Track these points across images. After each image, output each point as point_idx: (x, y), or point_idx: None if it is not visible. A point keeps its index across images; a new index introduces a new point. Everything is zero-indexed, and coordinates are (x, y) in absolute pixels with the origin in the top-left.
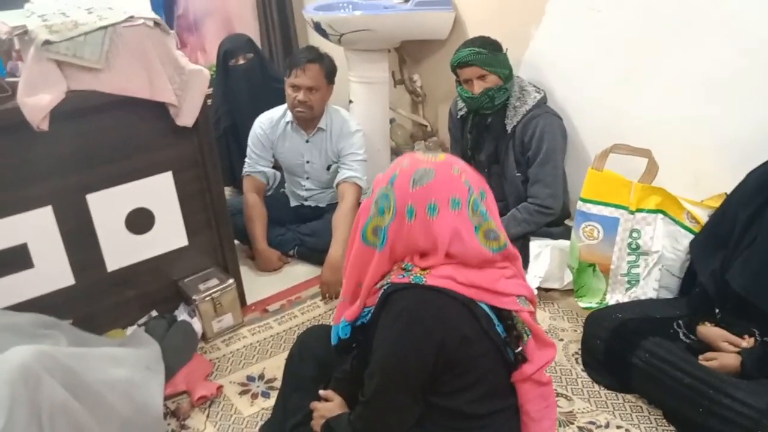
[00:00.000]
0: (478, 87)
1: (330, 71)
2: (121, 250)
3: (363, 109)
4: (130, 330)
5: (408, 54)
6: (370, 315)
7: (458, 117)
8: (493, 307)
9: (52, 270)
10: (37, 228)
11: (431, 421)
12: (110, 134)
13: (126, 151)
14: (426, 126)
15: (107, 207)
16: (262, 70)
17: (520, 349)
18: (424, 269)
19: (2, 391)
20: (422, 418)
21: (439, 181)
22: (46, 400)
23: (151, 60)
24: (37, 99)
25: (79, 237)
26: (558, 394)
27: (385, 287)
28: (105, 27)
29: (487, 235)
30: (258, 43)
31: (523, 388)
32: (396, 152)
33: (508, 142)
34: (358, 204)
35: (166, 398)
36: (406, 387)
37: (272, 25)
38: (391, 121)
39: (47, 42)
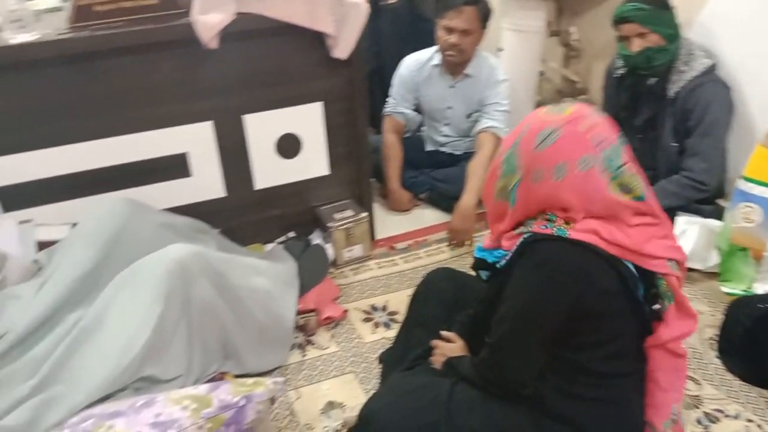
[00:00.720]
0: (636, 45)
1: (485, 15)
2: (268, 171)
3: (512, 58)
4: (268, 246)
5: (567, 4)
6: (505, 261)
7: (615, 76)
8: (638, 267)
9: (207, 181)
10: (197, 140)
11: (555, 372)
12: (270, 60)
13: (283, 77)
14: (576, 82)
15: (261, 129)
16: (411, 9)
17: (658, 307)
18: (567, 221)
19: (162, 281)
20: (546, 369)
21: (565, 140)
22: (197, 296)
23: None
24: (209, 17)
25: (234, 154)
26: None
27: (525, 235)
28: None
29: (623, 189)
30: None
31: (656, 354)
32: (541, 106)
33: (666, 108)
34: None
35: (296, 314)
36: (536, 336)
37: None
38: (540, 74)
39: None
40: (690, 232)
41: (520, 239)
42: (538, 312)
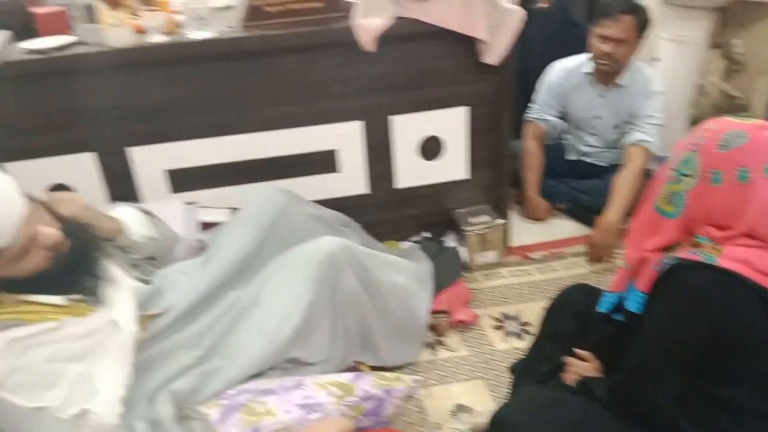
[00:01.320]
0: None
1: (643, 24)
2: (410, 171)
3: (668, 69)
4: (403, 244)
5: (732, 15)
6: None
7: None
8: None
9: (353, 177)
10: (347, 138)
11: (696, 404)
12: (421, 63)
13: (432, 80)
14: (737, 98)
15: (406, 130)
16: (563, 13)
17: None
18: (716, 247)
19: (314, 270)
20: (686, 400)
21: (753, 144)
22: (343, 287)
23: None
24: (370, 21)
25: (379, 153)
26: None
27: (671, 262)
28: None
29: None
30: None
31: None
32: (695, 122)
33: None
34: (645, 170)
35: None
36: (674, 364)
37: None
38: (697, 87)
39: None
40: None
41: (664, 265)
42: (677, 340)
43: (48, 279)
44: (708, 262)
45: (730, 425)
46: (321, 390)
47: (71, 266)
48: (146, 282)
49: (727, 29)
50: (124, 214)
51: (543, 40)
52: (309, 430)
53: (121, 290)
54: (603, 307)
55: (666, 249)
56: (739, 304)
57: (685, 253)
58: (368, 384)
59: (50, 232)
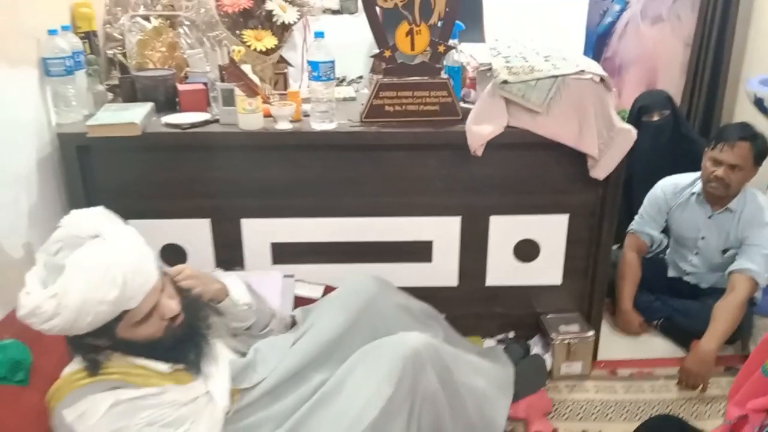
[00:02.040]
0: None
1: (761, 153)
2: (502, 270)
3: None
4: (487, 341)
5: None
6: None
7: None
8: None
9: (444, 270)
10: (444, 232)
11: None
12: (527, 169)
13: (535, 186)
14: None
15: (503, 230)
16: (675, 127)
17: None
18: None
19: (396, 364)
20: None
21: None
22: (423, 385)
23: (587, 112)
24: (481, 128)
25: (473, 249)
26: None
27: None
28: (556, 77)
29: None
30: (678, 98)
31: None
32: None
33: None
34: (749, 300)
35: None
36: None
37: (699, 86)
38: None
39: (505, 82)
40: None
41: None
42: None
43: (159, 347)
44: None
45: None
46: None
47: (182, 339)
48: (242, 354)
49: None
50: (229, 281)
51: (653, 151)
52: None
53: (219, 363)
54: None
55: None
56: None
57: None
58: None
59: (173, 305)
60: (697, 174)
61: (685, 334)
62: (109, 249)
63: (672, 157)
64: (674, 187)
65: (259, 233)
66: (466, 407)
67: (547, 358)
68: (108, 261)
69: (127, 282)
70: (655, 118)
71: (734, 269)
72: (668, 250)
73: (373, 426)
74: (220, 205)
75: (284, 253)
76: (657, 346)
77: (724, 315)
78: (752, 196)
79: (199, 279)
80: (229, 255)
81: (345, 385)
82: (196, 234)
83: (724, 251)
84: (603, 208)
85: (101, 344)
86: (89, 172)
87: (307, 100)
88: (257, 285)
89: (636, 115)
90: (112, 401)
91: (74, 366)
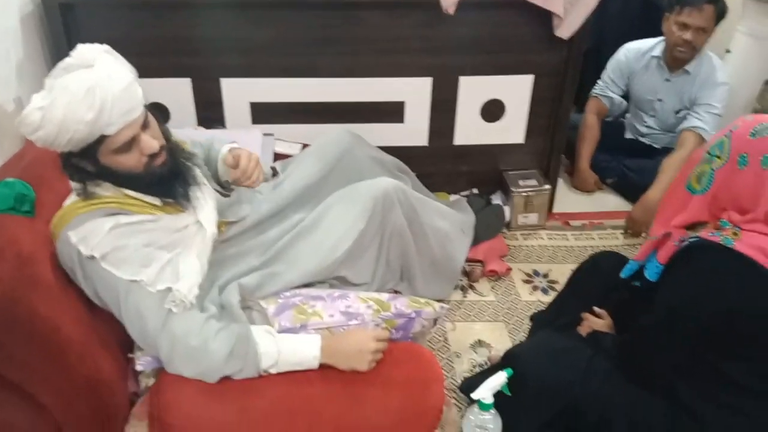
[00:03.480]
0: None
1: (721, 14)
2: (469, 130)
3: (740, 62)
4: (453, 197)
5: None
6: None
7: None
8: None
9: (415, 129)
10: (415, 92)
11: (700, 374)
12: (495, 29)
13: (503, 46)
14: None
15: (472, 91)
16: None
17: None
18: (736, 232)
19: (368, 203)
20: (691, 369)
21: None
22: (392, 222)
23: None
24: None
25: (443, 109)
26: None
27: (691, 239)
28: None
29: None
30: None
31: None
32: None
33: None
34: None
35: (466, 260)
36: (681, 335)
37: None
38: (765, 82)
39: None
40: None
41: (685, 243)
42: (689, 317)
43: (140, 182)
44: (725, 245)
45: (727, 399)
46: (362, 303)
47: (165, 178)
48: (227, 195)
49: None
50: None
51: (621, 19)
52: (349, 333)
53: (206, 198)
54: (625, 273)
55: (690, 228)
56: (751, 289)
57: (706, 234)
58: (402, 304)
59: (152, 143)
60: (659, 39)
61: (636, 190)
62: (96, 75)
63: (641, 25)
64: (637, 51)
65: (238, 92)
66: (430, 244)
67: (507, 211)
68: (91, 85)
69: (105, 108)
70: None
71: (684, 127)
72: (627, 114)
73: (347, 254)
74: (201, 65)
75: (263, 113)
76: (609, 201)
77: (670, 169)
78: (708, 59)
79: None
80: (210, 114)
81: (323, 221)
82: (178, 93)
83: (678, 112)
84: (566, 69)
85: (87, 168)
86: (73, 30)
87: None
88: (238, 142)
89: None
90: (112, 224)
91: (73, 197)
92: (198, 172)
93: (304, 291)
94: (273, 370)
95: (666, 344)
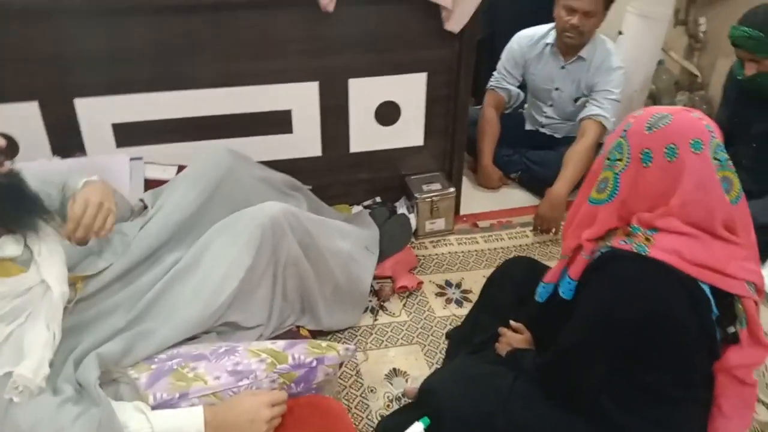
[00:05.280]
0: (749, 69)
1: None
2: (365, 135)
3: (632, 44)
4: (355, 208)
5: None
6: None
7: (738, 77)
8: (713, 289)
9: (306, 139)
10: (302, 99)
11: (621, 387)
12: (382, 26)
13: (392, 44)
14: (696, 77)
15: (363, 94)
16: None
17: (733, 330)
18: (648, 237)
19: (255, 232)
20: (612, 382)
21: (678, 122)
22: (285, 251)
23: None
24: None
25: (334, 115)
26: (762, 402)
27: (603, 250)
28: None
29: (726, 183)
30: None
31: (722, 380)
32: (654, 97)
33: None
34: (598, 144)
35: (373, 278)
36: (602, 351)
37: None
38: (659, 62)
39: None
40: None
41: (598, 254)
42: (607, 331)
43: None
44: (639, 252)
45: (652, 409)
46: (253, 357)
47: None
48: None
49: (693, 7)
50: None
51: (513, 8)
52: (237, 400)
53: (51, 247)
54: (540, 297)
55: (600, 239)
56: (666, 297)
57: (618, 243)
58: (301, 352)
59: None
60: (551, 25)
61: (541, 183)
62: None
63: (532, 14)
64: (530, 39)
65: (96, 114)
66: (331, 269)
67: (413, 218)
68: None
69: None
70: None
71: (584, 116)
72: (525, 104)
73: (234, 296)
74: (49, 84)
75: (129, 134)
76: (516, 196)
77: (574, 160)
78: (602, 43)
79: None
80: (66, 141)
81: (202, 260)
82: (24, 119)
83: (576, 100)
84: (459, 64)
85: None
86: None
87: None
88: (102, 171)
89: None
90: None
91: None
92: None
93: (183, 350)
94: None
95: (588, 361)
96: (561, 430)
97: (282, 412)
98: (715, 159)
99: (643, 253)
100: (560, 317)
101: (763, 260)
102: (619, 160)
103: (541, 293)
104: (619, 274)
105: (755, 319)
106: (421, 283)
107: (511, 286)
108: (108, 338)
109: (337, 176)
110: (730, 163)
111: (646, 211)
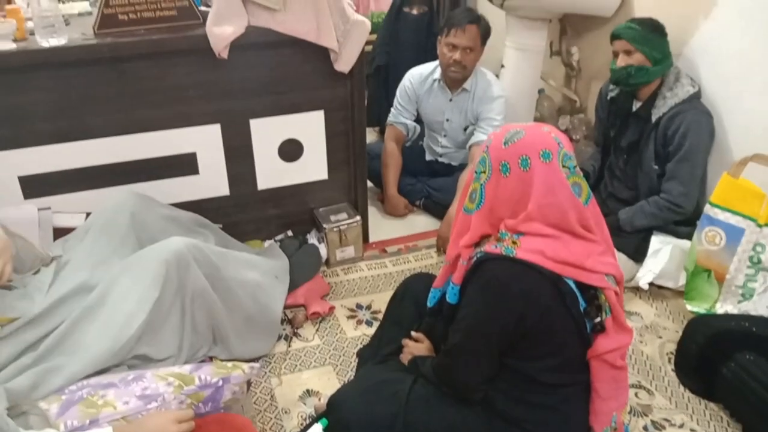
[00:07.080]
0: (621, 60)
1: (485, 33)
2: (271, 173)
3: (513, 75)
4: (267, 243)
5: (570, 26)
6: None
7: (608, 98)
8: (578, 283)
9: (213, 179)
10: (206, 141)
11: (506, 379)
12: (277, 69)
13: (289, 86)
14: (575, 102)
15: (265, 133)
16: (429, 25)
17: (599, 320)
18: (515, 240)
19: (159, 268)
20: (498, 375)
21: (529, 137)
22: (191, 284)
23: (322, 7)
24: (222, 29)
25: (239, 155)
26: (640, 386)
27: (478, 255)
28: None
29: (576, 188)
30: None
31: (596, 366)
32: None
33: (650, 133)
34: None
35: (286, 307)
36: (484, 349)
37: None
38: (540, 91)
39: None
40: (663, 252)
41: (474, 259)
42: (486, 328)
43: None
44: (507, 254)
45: (536, 395)
46: (161, 381)
47: None
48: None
49: (566, 38)
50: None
51: (409, 43)
52: (146, 419)
53: None
54: (431, 302)
55: (477, 245)
56: (535, 292)
57: (490, 247)
58: (207, 373)
59: None
60: (437, 62)
61: (442, 208)
62: None
63: (425, 52)
64: (419, 76)
65: (2, 168)
66: (240, 299)
67: (323, 248)
68: None
69: None
70: (415, 12)
71: (471, 143)
72: (424, 137)
73: (143, 330)
74: None
75: (36, 185)
76: (421, 222)
77: (464, 184)
78: (482, 75)
79: None
80: None
81: (109, 296)
82: None
83: (465, 128)
84: (353, 101)
85: None
86: None
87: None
88: (11, 223)
89: (400, 4)
90: None
91: None
92: None
93: (93, 380)
94: None
95: (473, 356)
96: (456, 426)
97: (189, 429)
98: (564, 167)
99: (511, 255)
100: (451, 321)
101: (637, 259)
102: (483, 172)
103: (431, 298)
104: (491, 275)
105: (617, 307)
106: (333, 308)
107: (412, 300)
108: (16, 374)
109: (247, 213)
110: (578, 170)
111: (510, 216)
